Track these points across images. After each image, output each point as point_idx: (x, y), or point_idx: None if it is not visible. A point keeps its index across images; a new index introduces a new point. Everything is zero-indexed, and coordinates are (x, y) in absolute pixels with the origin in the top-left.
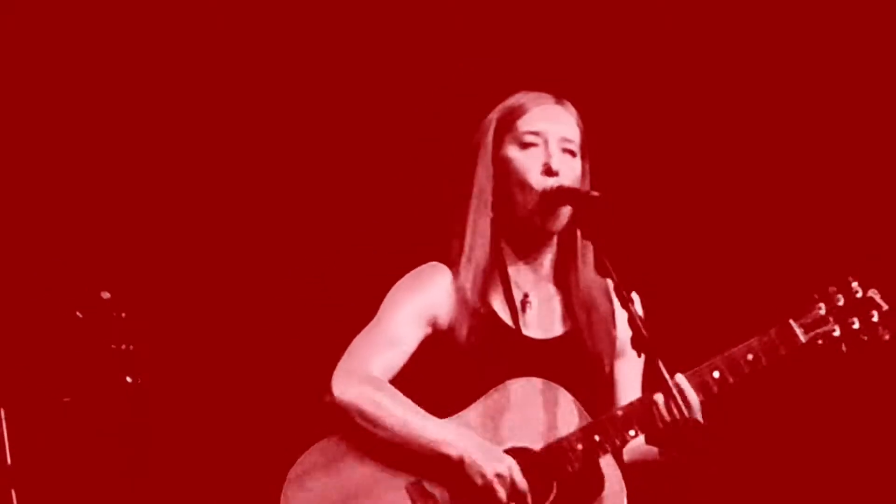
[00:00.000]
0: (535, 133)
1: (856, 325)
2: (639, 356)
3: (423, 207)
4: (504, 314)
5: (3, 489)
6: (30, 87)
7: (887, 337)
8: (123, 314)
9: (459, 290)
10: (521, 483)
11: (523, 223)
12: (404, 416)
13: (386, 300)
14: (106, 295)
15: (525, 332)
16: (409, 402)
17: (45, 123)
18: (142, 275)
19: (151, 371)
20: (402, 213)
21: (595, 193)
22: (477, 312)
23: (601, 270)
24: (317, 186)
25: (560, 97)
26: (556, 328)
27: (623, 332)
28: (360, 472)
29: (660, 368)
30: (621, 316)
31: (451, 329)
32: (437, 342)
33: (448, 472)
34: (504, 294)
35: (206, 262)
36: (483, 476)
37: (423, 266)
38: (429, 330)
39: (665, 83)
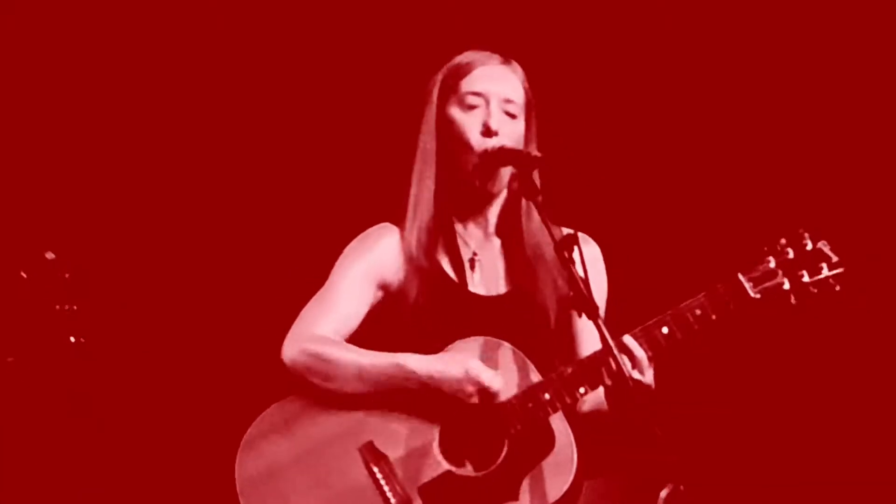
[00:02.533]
0: (477, 94)
1: (805, 278)
2: (579, 316)
3: (378, 168)
4: (451, 272)
5: None
6: None
7: (837, 288)
8: (67, 275)
9: (406, 248)
10: (491, 378)
11: (466, 183)
12: (354, 360)
13: (336, 265)
14: (50, 255)
15: (472, 289)
16: (354, 347)
17: None
18: (86, 235)
19: (95, 331)
20: (357, 173)
21: (536, 154)
22: (423, 270)
23: (544, 230)
24: (266, 144)
25: (507, 57)
26: (501, 285)
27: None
28: (312, 433)
29: (601, 329)
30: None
31: (401, 289)
32: (388, 303)
33: (400, 416)
34: (449, 252)
35: (151, 222)
36: (448, 380)
37: (372, 228)
38: (379, 293)
39: (612, 46)
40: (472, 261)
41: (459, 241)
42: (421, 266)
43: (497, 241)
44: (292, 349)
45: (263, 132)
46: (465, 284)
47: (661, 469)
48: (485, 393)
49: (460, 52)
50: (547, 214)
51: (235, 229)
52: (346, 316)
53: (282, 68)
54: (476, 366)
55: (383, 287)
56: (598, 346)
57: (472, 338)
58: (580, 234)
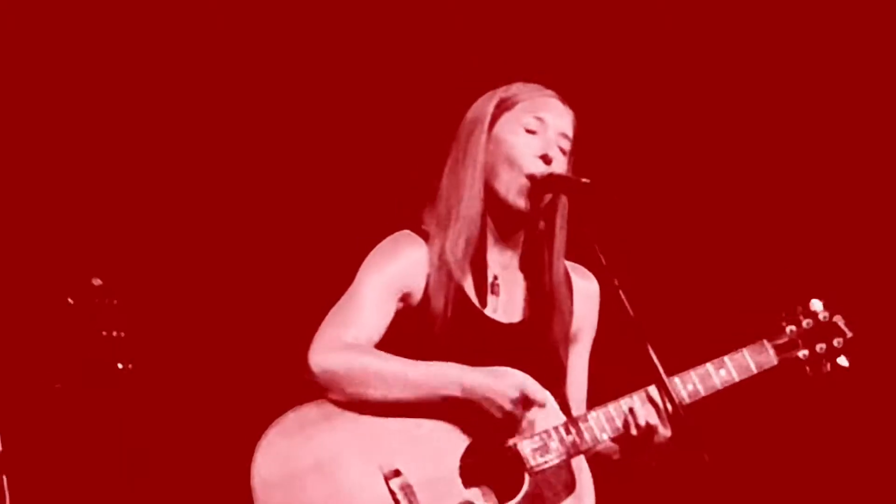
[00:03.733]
0: (540, 119)
1: (820, 350)
2: (635, 347)
3: (390, 176)
4: (472, 293)
5: None
6: (18, 78)
7: (846, 364)
8: (115, 301)
9: (436, 262)
10: (539, 392)
11: (506, 205)
12: (397, 366)
13: (360, 271)
14: (97, 282)
15: (489, 313)
16: (391, 356)
17: (37, 112)
18: (133, 261)
19: (142, 358)
20: (369, 182)
21: (586, 180)
22: (448, 287)
23: (590, 259)
24: (296, 164)
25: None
26: (517, 314)
27: (578, 321)
28: (332, 442)
29: (655, 363)
30: (579, 307)
31: (421, 303)
32: (405, 315)
33: (425, 439)
34: (475, 273)
35: (197, 249)
36: (494, 392)
37: (396, 235)
38: (400, 304)
39: (660, 82)
40: (493, 284)
41: (489, 265)
42: (447, 282)
43: (517, 268)
44: (324, 357)
45: (292, 148)
46: (484, 308)
47: (711, 495)
48: (528, 404)
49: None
50: (595, 241)
51: (276, 252)
52: (373, 326)
53: (308, 75)
54: (531, 383)
55: (404, 299)
56: (582, 379)
57: (503, 369)
58: (581, 268)
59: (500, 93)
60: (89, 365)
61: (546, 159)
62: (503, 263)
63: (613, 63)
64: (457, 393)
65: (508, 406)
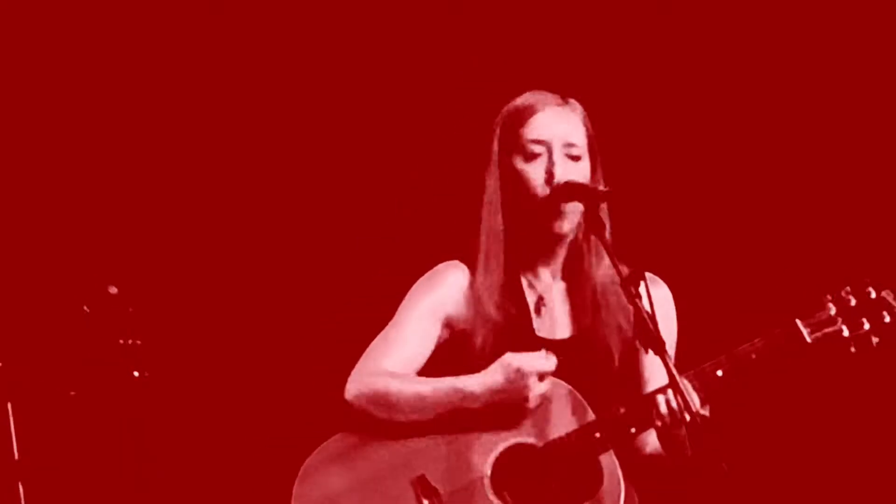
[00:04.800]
0: (539, 142)
1: (866, 326)
2: (646, 352)
3: (442, 206)
4: (518, 317)
5: (10, 483)
6: (34, 85)
7: (865, 346)
8: (131, 309)
9: (476, 293)
10: (537, 359)
11: (533, 228)
12: (414, 388)
13: (404, 302)
14: (113, 290)
15: (538, 333)
16: (414, 377)
17: (51, 119)
18: (149, 269)
19: (159, 366)
20: (421, 212)
21: (603, 188)
22: (492, 318)
23: (611, 269)
24: (331, 183)
25: (566, 95)
26: (566, 329)
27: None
28: (367, 465)
29: (667, 364)
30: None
31: (466, 330)
32: (453, 343)
33: (453, 450)
34: (516, 298)
35: (216, 257)
36: (509, 383)
37: (440, 265)
38: (445, 332)
39: (675, 81)
40: (538, 305)
41: (526, 286)
42: (489, 314)
43: (563, 284)
44: (355, 385)
45: (329, 169)
46: (532, 329)
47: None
48: (543, 375)
49: (513, 84)
50: (613, 250)
51: (301, 266)
52: (413, 354)
53: (350, 108)
54: (516, 358)
55: (449, 326)
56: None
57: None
58: (649, 275)
59: (502, 119)
60: (105, 373)
61: (551, 181)
62: (547, 282)
63: (627, 62)
64: (475, 405)
65: (528, 389)
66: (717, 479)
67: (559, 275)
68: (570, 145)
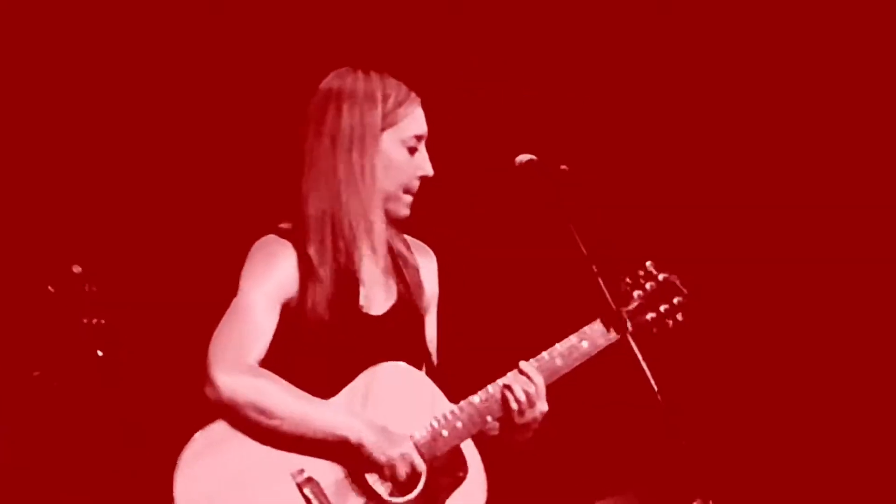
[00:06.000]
0: (419, 137)
1: (663, 310)
2: (607, 331)
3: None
4: (347, 292)
5: None
6: None
7: (681, 319)
8: (94, 288)
9: (308, 270)
10: (420, 464)
11: (387, 213)
12: (299, 406)
13: (243, 284)
14: (77, 269)
15: (364, 310)
16: (296, 390)
17: (9, 102)
18: (112, 249)
19: (122, 345)
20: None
21: (564, 167)
22: (325, 295)
23: (568, 242)
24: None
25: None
26: (387, 304)
27: (427, 296)
28: (244, 455)
29: (632, 344)
30: (426, 283)
31: (300, 305)
32: (287, 319)
33: (333, 452)
34: (349, 274)
35: (178, 235)
36: (386, 457)
37: (270, 244)
38: (280, 310)
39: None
40: (364, 281)
41: (360, 264)
42: (320, 291)
43: (384, 261)
44: (232, 379)
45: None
46: (359, 306)
47: (689, 483)
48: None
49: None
50: (575, 226)
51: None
52: (266, 341)
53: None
54: (416, 455)
55: (285, 306)
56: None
57: (382, 365)
58: (421, 243)
59: (381, 103)
60: (69, 352)
61: (422, 179)
62: (372, 259)
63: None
64: (352, 441)
65: (392, 473)
66: (678, 455)
67: (383, 252)
68: (424, 137)
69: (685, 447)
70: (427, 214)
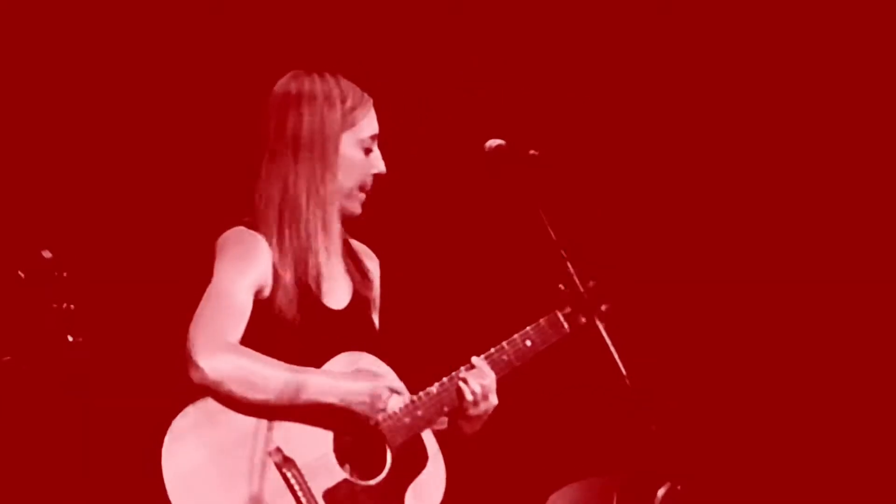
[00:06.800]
0: (374, 137)
1: (587, 313)
2: (580, 320)
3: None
4: (312, 286)
5: None
6: None
7: (602, 325)
8: (65, 273)
9: (285, 259)
10: (400, 386)
11: (344, 210)
12: (283, 377)
13: (219, 268)
14: (47, 254)
15: (326, 304)
16: (278, 362)
17: None
18: (83, 233)
19: (93, 330)
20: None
21: (534, 152)
22: (290, 288)
23: (537, 227)
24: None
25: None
26: (345, 298)
27: (376, 288)
28: (226, 433)
29: (602, 332)
30: (373, 274)
31: (271, 296)
32: (258, 308)
33: (320, 418)
34: (314, 268)
35: (149, 219)
36: (366, 399)
37: (244, 235)
38: (253, 298)
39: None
40: (327, 276)
41: (321, 259)
42: (287, 283)
43: (340, 258)
44: (215, 358)
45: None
46: (321, 300)
47: (659, 468)
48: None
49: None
50: (546, 212)
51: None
52: (242, 325)
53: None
54: (392, 376)
55: (258, 293)
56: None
57: (347, 354)
58: (365, 247)
59: (339, 106)
60: (39, 338)
61: (378, 176)
62: (332, 255)
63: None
64: (334, 401)
65: (381, 404)
66: (648, 440)
67: (339, 249)
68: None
69: (654, 431)
70: (394, 202)
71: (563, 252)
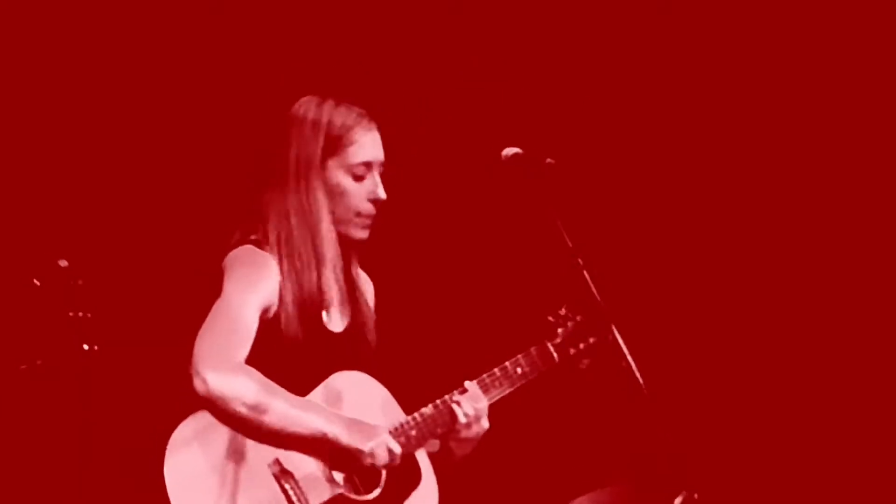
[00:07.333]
0: (367, 165)
1: (582, 347)
2: (596, 331)
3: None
4: (316, 308)
5: None
6: None
7: (586, 364)
8: (81, 282)
9: (289, 280)
10: (396, 447)
11: (340, 234)
12: (285, 403)
13: (229, 285)
14: (63, 263)
15: (328, 326)
16: (281, 388)
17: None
18: (99, 243)
19: (108, 339)
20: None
21: (550, 161)
22: (295, 311)
23: (553, 235)
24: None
25: (372, 115)
26: (345, 321)
27: (371, 313)
28: (227, 443)
29: (620, 343)
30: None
31: (276, 316)
32: (263, 327)
33: (312, 448)
34: (317, 290)
35: (165, 229)
36: (367, 445)
37: (255, 255)
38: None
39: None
40: (329, 302)
41: (325, 283)
42: (292, 306)
43: (339, 280)
44: (220, 376)
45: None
46: (322, 323)
47: (675, 477)
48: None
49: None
50: (562, 221)
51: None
52: (250, 343)
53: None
54: (392, 441)
55: (265, 312)
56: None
57: (345, 373)
58: (365, 274)
59: (322, 134)
60: (55, 346)
61: (376, 203)
62: (334, 280)
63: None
64: (330, 438)
65: (379, 463)
66: (664, 450)
67: (341, 275)
68: (383, 165)
69: (671, 440)
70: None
71: (579, 261)
